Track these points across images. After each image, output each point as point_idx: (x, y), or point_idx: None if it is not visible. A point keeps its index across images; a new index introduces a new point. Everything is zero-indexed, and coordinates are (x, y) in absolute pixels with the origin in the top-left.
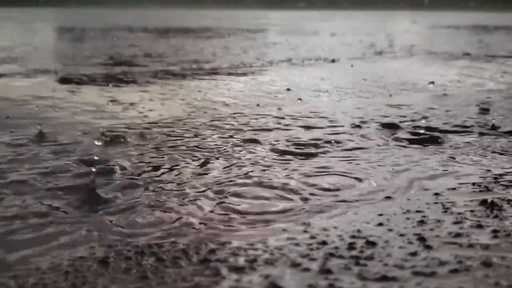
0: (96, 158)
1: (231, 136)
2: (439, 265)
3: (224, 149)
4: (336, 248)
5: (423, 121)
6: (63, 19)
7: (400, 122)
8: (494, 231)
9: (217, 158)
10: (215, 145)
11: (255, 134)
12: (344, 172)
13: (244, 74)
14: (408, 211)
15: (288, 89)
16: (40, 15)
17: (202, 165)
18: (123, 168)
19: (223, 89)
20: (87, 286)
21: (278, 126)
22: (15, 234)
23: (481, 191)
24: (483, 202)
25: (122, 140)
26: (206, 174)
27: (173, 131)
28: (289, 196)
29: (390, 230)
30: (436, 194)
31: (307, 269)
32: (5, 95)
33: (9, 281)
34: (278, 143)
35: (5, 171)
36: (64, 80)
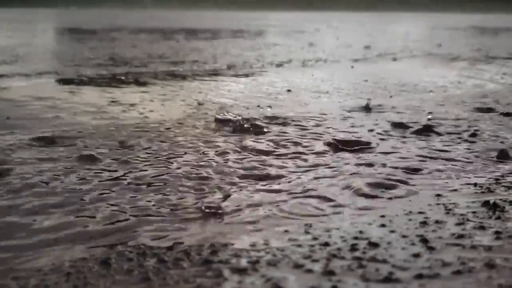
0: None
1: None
2: (442, 267)
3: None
4: (339, 249)
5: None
6: (63, 19)
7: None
8: (497, 232)
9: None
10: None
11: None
12: None
13: (245, 75)
14: (410, 212)
15: (289, 90)
16: (40, 15)
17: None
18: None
19: (224, 90)
20: None
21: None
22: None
23: (483, 192)
24: (485, 204)
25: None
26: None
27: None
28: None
29: (392, 231)
30: (438, 195)
31: (309, 271)
32: (6, 95)
33: (11, 282)
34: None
35: None
36: (64, 81)
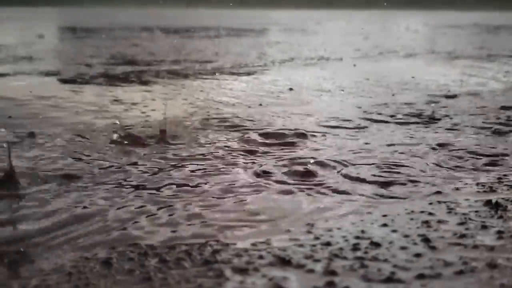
0: None
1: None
2: (444, 267)
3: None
4: (341, 249)
5: None
6: (65, 18)
7: None
8: (499, 232)
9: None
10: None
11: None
12: None
13: (246, 73)
14: (412, 211)
15: (291, 89)
16: (42, 14)
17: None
18: None
19: (225, 89)
20: None
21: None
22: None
23: (485, 191)
24: (488, 203)
25: None
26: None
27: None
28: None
29: (394, 231)
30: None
31: (311, 271)
32: (7, 94)
33: (12, 282)
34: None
35: None
36: (66, 80)
